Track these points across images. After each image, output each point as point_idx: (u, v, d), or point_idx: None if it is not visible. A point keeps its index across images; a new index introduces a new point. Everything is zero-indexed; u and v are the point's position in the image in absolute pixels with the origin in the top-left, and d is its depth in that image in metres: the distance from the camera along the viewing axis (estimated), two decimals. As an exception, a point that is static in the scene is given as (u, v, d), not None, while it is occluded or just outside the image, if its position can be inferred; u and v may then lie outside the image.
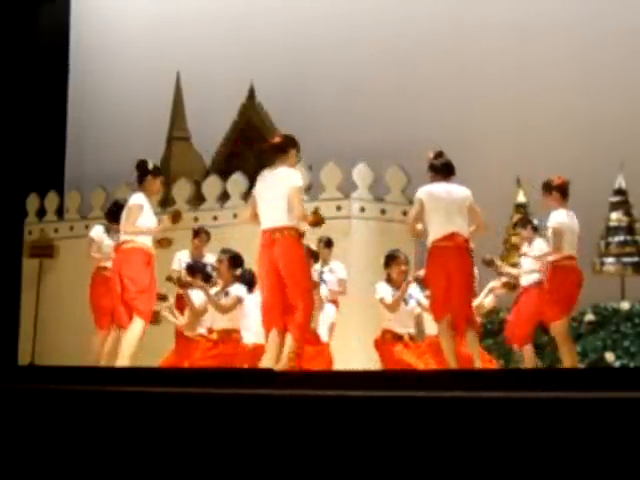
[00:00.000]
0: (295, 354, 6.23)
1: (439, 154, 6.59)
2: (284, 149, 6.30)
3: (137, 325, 6.67)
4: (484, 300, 7.68)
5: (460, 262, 6.39)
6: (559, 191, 7.03)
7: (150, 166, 6.98)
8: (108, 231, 7.99)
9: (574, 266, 6.96)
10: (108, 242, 7.85)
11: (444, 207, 6.37)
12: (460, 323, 6.51)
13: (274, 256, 6.13)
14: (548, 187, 7.06)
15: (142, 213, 6.78)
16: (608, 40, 9.64)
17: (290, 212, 6.13)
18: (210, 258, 8.42)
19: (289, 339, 6.16)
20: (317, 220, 6.29)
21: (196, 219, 10.38)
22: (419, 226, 6.61)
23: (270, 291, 6.21)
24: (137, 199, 6.85)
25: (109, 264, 7.68)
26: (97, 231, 8.13)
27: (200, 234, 8.76)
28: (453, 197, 6.41)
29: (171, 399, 4.32)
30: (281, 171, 6.23)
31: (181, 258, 8.56)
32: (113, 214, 7.98)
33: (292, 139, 6.39)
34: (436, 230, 6.39)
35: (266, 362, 6.20)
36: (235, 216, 10.28)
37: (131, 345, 6.63)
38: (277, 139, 6.41)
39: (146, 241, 6.80)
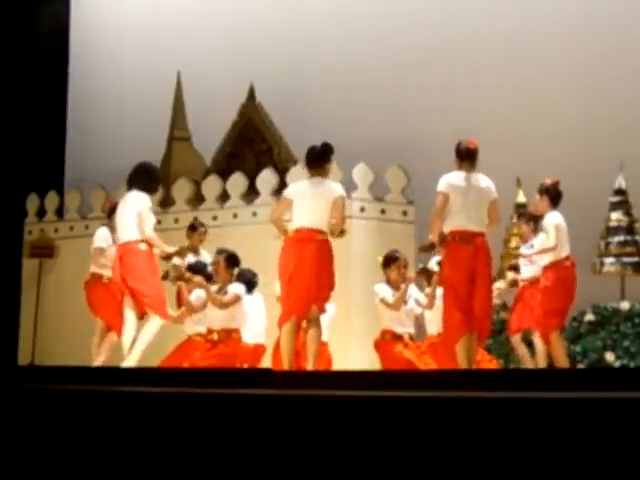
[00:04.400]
0: None
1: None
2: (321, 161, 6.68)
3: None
4: None
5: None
6: (547, 194, 7.18)
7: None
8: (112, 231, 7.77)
9: (570, 267, 7.12)
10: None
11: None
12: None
13: (311, 254, 6.47)
14: (540, 189, 7.26)
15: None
16: (609, 39, 9.65)
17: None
18: (205, 255, 8.35)
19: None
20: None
21: (196, 219, 10.38)
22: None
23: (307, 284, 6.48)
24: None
25: (106, 272, 7.74)
26: (103, 236, 8.00)
27: (198, 228, 8.56)
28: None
29: (171, 399, 4.32)
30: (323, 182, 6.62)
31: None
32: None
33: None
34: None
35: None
36: (235, 216, 10.28)
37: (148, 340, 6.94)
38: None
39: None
